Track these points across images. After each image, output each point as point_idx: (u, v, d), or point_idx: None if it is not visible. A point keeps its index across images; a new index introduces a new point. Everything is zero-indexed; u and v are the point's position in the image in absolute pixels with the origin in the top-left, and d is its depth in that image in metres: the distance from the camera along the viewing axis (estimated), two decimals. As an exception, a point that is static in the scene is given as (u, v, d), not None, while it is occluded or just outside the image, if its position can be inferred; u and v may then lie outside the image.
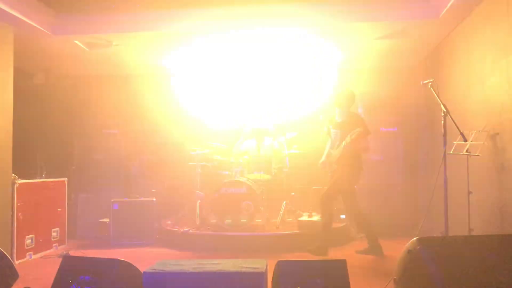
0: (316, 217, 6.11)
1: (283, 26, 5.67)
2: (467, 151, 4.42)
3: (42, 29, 5.52)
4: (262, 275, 3.00)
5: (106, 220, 6.71)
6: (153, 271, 3.10)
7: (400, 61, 7.39)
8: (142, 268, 3.21)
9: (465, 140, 4.24)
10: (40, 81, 7.08)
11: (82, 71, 7.72)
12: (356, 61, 7.39)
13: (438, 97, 4.32)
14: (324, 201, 5.39)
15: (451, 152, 4.54)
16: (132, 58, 7.03)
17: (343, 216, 6.73)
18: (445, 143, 4.26)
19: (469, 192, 4.47)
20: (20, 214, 5.33)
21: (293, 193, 6.83)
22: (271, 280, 3.13)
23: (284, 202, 6.65)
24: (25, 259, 5.41)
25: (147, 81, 8.32)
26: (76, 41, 6.05)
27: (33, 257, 5.55)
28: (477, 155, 4.30)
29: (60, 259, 3.30)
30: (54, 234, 6.05)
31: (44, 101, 7.38)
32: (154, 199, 6.51)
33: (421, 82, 4.60)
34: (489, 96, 4.63)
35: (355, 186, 5.53)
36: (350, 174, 5.33)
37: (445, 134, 4.26)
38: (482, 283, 2.68)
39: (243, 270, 3.06)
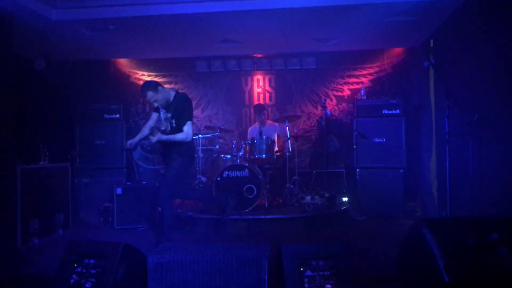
0: (319, 200, 6.13)
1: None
2: (470, 132, 4.41)
3: (42, 13, 5.48)
4: (265, 259, 3.02)
5: (109, 204, 6.75)
6: (157, 255, 3.12)
7: (403, 41, 7.33)
8: (146, 252, 3.23)
9: (468, 122, 4.23)
10: (41, 67, 7.04)
11: (82, 56, 7.69)
12: (359, 43, 7.32)
13: (441, 78, 4.30)
14: None
15: (454, 134, 4.53)
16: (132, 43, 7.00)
17: (345, 199, 6.76)
18: (447, 125, 4.26)
19: (471, 174, 4.48)
20: (24, 199, 5.35)
21: (296, 177, 6.85)
22: (274, 263, 3.15)
23: (287, 185, 6.67)
24: (30, 244, 5.45)
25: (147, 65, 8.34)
26: (76, 26, 6.01)
27: (38, 242, 5.59)
28: (478, 136, 4.29)
29: (65, 244, 3.32)
30: (58, 219, 6.08)
31: (45, 87, 7.36)
32: (157, 184, 6.52)
33: (424, 64, 4.58)
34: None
35: None
36: None
37: (448, 116, 4.26)
38: (485, 263, 2.70)
39: (246, 254, 3.07)
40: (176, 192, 4.96)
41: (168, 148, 4.89)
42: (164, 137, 4.76)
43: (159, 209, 6.47)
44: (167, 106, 4.90)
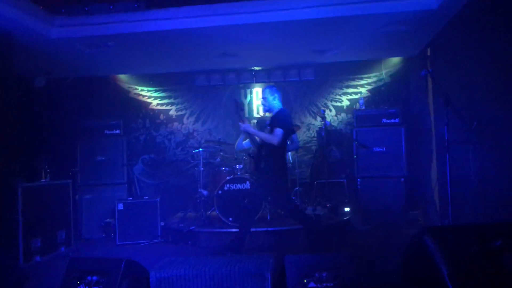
0: (321, 211, 6.12)
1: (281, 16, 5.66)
2: (469, 139, 4.42)
3: (41, 32, 5.53)
4: (268, 270, 3.01)
5: (111, 220, 6.75)
6: (160, 269, 3.11)
7: (400, 51, 7.37)
8: (149, 267, 3.22)
9: (467, 129, 4.25)
10: (41, 84, 7.08)
11: (81, 73, 7.74)
12: (357, 53, 7.37)
13: (439, 86, 4.32)
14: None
15: (453, 142, 4.54)
16: (131, 58, 7.05)
17: (347, 209, 6.74)
18: (447, 133, 4.27)
19: (472, 181, 4.48)
20: (25, 217, 5.35)
21: (297, 188, 6.84)
22: (277, 275, 3.14)
23: (288, 197, 6.67)
24: (32, 262, 5.43)
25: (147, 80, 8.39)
26: (75, 43, 6.06)
27: (40, 259, 5.57)
28: (478, 143, 4.31)
29: (67, 261, 3.31)
30: (60, 236, 6.07)
31: (46, 104, 7.41)
32: (158, 199, 6.53)
33: (422, 72, 4.61)
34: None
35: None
36: None
37: (447, 124, 4.27)
38: (488, 270, 2.69)
39: (249, 266, 3.07)
40: None
41: None
42: None
43: (161, 223, 6.49)
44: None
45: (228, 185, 6.14)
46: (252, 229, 5.84)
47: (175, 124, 8.43)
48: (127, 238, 6.34)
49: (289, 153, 6.77)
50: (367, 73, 8.06)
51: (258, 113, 5.47)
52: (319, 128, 7.76)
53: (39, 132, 7.26)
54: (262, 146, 5.05)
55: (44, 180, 6.09)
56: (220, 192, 6.13)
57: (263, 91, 5.30)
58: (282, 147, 4.98)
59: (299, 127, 7.56)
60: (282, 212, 5.43)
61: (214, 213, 6.31)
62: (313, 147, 7.96)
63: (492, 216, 4.49)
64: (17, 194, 5.26)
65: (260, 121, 6.96)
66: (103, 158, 7.28)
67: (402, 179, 6.65)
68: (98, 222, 7.00)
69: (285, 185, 5.14)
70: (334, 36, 6.32)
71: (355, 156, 6.90)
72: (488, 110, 4.57)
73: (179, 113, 8.45)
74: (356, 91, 8.10)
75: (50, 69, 7.06)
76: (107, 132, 7.40)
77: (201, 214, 6.47)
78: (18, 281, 4.43)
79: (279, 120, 4.98)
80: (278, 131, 4.84)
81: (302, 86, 8.24)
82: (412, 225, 6.60)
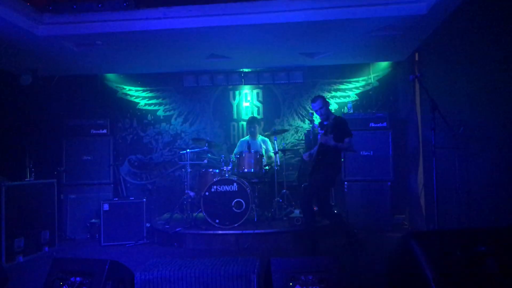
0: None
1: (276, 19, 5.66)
2: (455, 145, 4.46)
3: (27, 29, 5.46)
4: (253, 273, 3.00)
5: (96, 221, 6.68)
6: (145, 271, 3.08)
7: (389, 55, 7.42)
8: (134, 269, 3.19)
9: (454, 134, 4.28)
10: (27, 82, 6.99)
11: (69, 72, 7.66)
12: (346, 57, 7.40)
13: (426, 91, 4.35)
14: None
15: (440, 146, 4.58)
16: (120, 58, 7.00)
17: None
18: (434, 138, 4.30)
19: (458, 186, 4.51)
20: (9, 216, 5.27)
21: (284, 190, 6.84)
22: (263, 278, 3.13)
23: (276, 199, 6.66)
24: (15, 262, 5.35)
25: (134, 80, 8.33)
26: (63, 41, 5.99)
27: (23, 260, 5.50)
28: (465, 149, 4.34)
29: (51, 261, 3.27)
30: (44, 236, 5.99)
31: (31, 103, 7.32)
32: (144, 200, 6.48)
33: (410, 77, 4.64)
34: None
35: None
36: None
37: (434, 128, 4.30)
38: (473, 275, 2.70)
39: (235, 268, 3.05)
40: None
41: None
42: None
43: (147, 225, 6.45)
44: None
45: (215, 187, 6.12)
46: (239, 231, 5.85)
47: (163, 124, 8.37)
48: (112, 239, 6.28)
49: (277, 155, 6.77)
50: (355, 77, 8.09)
51: (314, 121, 5.71)
52: (307, 131, 7.78)
53: (24, 130, 7.17)
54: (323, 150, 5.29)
55: (28, 179, 6.01)
56: (207, 193, 6.10)
57: (317, 103, 5.43)
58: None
59: (286, 131, 7.59)
60: (316, 208, 5.52)
61: (200, 214, 6.29)
62: (301, 150, 7.96)
63: (476, 221, 4.53)
64: (0, 193, 5.19)
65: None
66: (89, 158, 7.22)
67: (389, 183, 6.69)
68: (83, 222, 6.93)
69: (333, 180, 5.46)
70: (323, 40, 6.34)
71: (342, 160, 6.91)
72: (474, 116, 4.62)
73: (167, 113, 8.40)
74: (344, 95, 8.13)
75: (36, 67, 6.98)
76: (94, 131, 7.34)
77: (188, 215, 6.44)
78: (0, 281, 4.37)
79: (346, 128, 5.28)
80: (351, 139, 5.24)
81: (291, 89, 8.25)
82: (398, 229, 6.64)
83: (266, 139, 7.38)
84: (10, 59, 6.37)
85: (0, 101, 5.32)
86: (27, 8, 5.38)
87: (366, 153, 6.82)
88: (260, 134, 7.45)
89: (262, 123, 8.00)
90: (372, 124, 6.91)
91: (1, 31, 5.31)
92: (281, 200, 6.74)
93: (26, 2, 5.34)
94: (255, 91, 8.40)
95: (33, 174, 6.10)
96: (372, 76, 7.97)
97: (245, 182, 6.39)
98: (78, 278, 3.06)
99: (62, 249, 6.19)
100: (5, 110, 5.37)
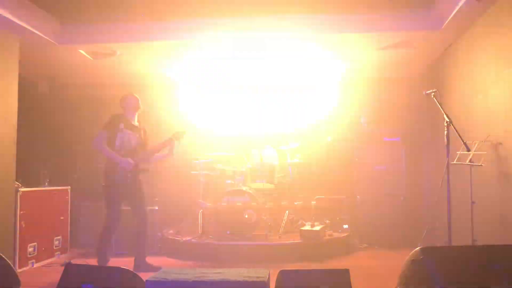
0: (318, 227, 6.09)
1: (287, 38, 5.70)
2: (470, 161, 4.42)
3: (48, 38, 5.57)
4: (264, 285, 2.99)
5: (108, 228, 6.71)
6: (155, 279, 3.09)
7: (403, 71, 7.40)
8: (144, 277, 3.20)
9: (468, 150, 4.24)
10: (45, 90, 7.11)
11: (86, 80, 7.76)
12: (359, 72, 7.40)
13: (441, 107, 4.33)
14: None
15: (454, 162, 4.54)
16: (136, 67, 7.07)
17: (346, 226, 6.71)
18: (448, 153, 4.26)
19: (472, 202, 4.46)
20: (23, 222, 5.33)
21: (296, 203, 6.82)
22: (273, 289, 3.12)
23: (287, 211, 6.64)
24: (27, 268, 5.40)
25: (151, 90, 8.38)
26: (81, 51, 6.09)
27: (36, 265, 5.54)
28: (480, 165, 4.30)
29: (63, 268, 3.30)
30: (56, 242, 6.04)
31: (48, 110, 7.42)
32: (156, 208, 6.50)
33: (424, 92, 4.63)
34: (492, 106, 4.64)
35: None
36: None
37: (448, 144, 4.26)
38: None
39: (245, 279, 3.05)
40: None
41: None
42: None
43: (158, 234, 6.45)
44: None
45: (227, 198, 6.12)
46: (250, 243, 5.83)
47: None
48: (124, 246, 6.29)
49: (290, 168, 6.76)
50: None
51: None
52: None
53: (40, 137, 7.26)
54: None
55: (43, 185, 6.08)
56: (219, 204, 6.11)
57: None
58: None
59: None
60: None
61: (212, 224, 6.29)
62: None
63: (491, 238, 4.46)
64: (15, 199, 5.26)
65: None
66: (103, 165, 7.25)
67: (402, 198, 6.63)
68: (96, 229, 6.95)
69: None
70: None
71: (355, 174, 6.89)
72: (489, 131, 4.58)
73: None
74: (358, 108, 8.09)
75: (54, 75, 7.10)
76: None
77: (199, 225, 6.44)
78: (10, 286, 4.40)
79: None
80: None
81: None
82: (410, 244, 6.55)
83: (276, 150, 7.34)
84: (29, 66, 6.49)
85: (20, 108, 5.39)
86: (47, 17, 5.49)
87: (379, 167, 6.78)
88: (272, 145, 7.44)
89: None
90: (386, 139, 6.88)
91: (21, 38, 5.41)
92: (290, 213, 6.71)
93: (46, 11, 5.45)
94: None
95: (47, 180, 6.17)
96: (386, 90, 7.93)
97: (257, 193, 6.38)
98: (89, 285, 3.07)
99: (74, 255, 6.22)
100: (22, 116, 5.46)
